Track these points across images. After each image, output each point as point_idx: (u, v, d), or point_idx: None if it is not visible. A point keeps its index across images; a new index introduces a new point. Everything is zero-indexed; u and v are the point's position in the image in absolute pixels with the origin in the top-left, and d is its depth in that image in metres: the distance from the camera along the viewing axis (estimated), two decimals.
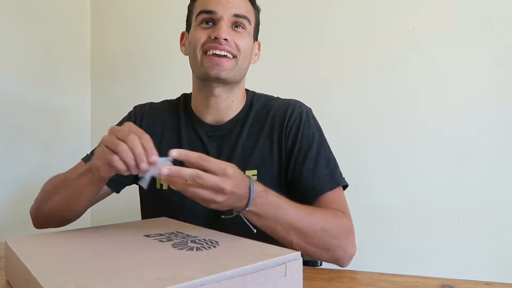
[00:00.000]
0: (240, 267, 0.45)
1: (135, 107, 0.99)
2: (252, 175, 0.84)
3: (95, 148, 0.93)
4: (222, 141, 0.89)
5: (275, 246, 0.57)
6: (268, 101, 0.93)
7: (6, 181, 1.44)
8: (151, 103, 0.99)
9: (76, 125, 1.72)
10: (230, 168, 0.61)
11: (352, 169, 1.41)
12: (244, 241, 0.61)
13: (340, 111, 1.42)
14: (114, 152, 0.59)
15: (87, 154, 0.93)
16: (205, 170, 0.59)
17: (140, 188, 0.97)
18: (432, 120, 1.32)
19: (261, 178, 0.84)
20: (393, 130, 1.37)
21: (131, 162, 0.59)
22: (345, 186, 0.89)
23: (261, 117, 0.90)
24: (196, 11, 0.85)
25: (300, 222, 0.71)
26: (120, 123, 0.97)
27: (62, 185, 0.79)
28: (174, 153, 0.59)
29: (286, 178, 0.86)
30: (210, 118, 0.90)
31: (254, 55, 0.92)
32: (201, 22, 0.83)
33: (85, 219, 1.74)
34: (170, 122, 0.93)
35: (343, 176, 0.89)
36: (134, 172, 0.60)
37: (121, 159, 0.59)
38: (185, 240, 0.60)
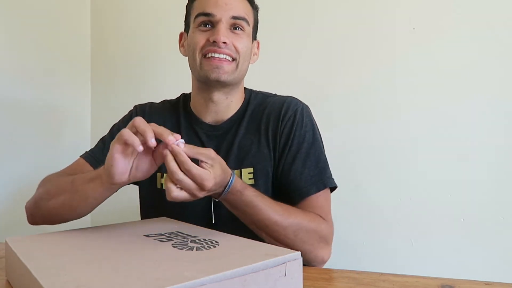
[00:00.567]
0: (240, 267, 0.46)
1: (135, 107, 1.00)
2: (249, 173, 0.85)
3: (96, 146, 0.94)
4: (220, 140, 0.89)
5: (275, 246, 0.57)
6: (264, 98, 0.93)
7: (6, 181, 1.45)
8: (151, 103, 1.00)
9: (76, 125, 1.72)
10: (211, 181, 0.64)
11: (352, 169, 1.41)
12: (244, 241, 0.61)
13: (340, 111, 1.42)
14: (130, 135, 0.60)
15: (87, 152, 0.93)
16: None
17: (140, 188, 0.97)
18: (432, 120, 1.32)
19: (257, 176, 0.85)
20: (393, 130, 1.37)
21: (145, 130, 0.59)
22: (333, 188, 0.88)
23: (258, 115, 0.90)
24: (194, 12, 0.85)
25: (271, 223, 0.73)
26: (120, 122, 0.98)
27: (68, 188, 0.78)
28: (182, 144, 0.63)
29: (276, 177, 0.86)
30: (209, 118, 0.91)
31: (253, 55, 0.92)
32: (200, 25, 0.83)
33: (85, 219, 1.74)
34: (170, 122, 0.94)
35: (333, 177, 0.88)
36: (148, 143, 0.60)
37: (137, 129, 0.60)
38: (185, 240, 0.60)
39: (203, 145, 0.89)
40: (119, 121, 0.99)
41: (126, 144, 0.61)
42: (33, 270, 0.46)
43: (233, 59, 0.83)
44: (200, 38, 0.82)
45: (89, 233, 0.68)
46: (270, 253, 0.52)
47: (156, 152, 0.65)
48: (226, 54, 0.81)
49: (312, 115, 0.92)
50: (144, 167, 0.66)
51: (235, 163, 0.86)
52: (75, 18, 1.74)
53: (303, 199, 0.82)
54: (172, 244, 0.57)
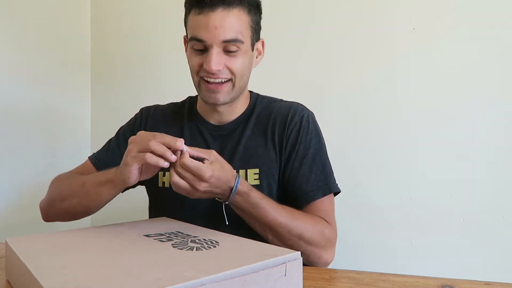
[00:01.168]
0: (240, 267, 0.46)
1: (141, 110, 1.01)
2: (254, 173, 0.86)
3: (102, 147, 0.95)
4: (224, 140, 0.91)
5: (275, 246, 0.57)
6: (271, 103, 0.94)
7: (6, 182, 1.45)
8: (157, 106, 1.01)
9: (76, 126, 1.72)
10: (208, 174, 0.68)
11: (352, 169, 1.41)
12: (244, 241, 0.61)
13: (340, 111, 1.42)
14: (146, 151, 0.67)
15: (94, 153, 0.96)
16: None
17: (146, 188, 0.98)
18: (432, 120, 1.32)
19: (262, 177, 0.86)
20: (393, 130, 1.37)
21: (162, 150, 0.67)
22: (337, 193, 0.90)
23: (264, 119, 0.91)
24: (189, 31, 0.83)
25: (277, 225, 0.76)
26: (127, 125, 1.00)
27: (80, 191, 0.82)
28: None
29: (282, 181, 0.88)
30: (214, 120, 0.92)
31: (257, 56, 0.90)
32: (193, 47, 0.82)
33: (85, 219, 1.74)
34: (174, 123, 0.96)
35: (336, 182, 0.90)
36: (170, 160, 0.68)
37: (154, 152, 0.67)
38: (185, 240, 0.60)
39: (207, 144, 0.90)
40: (126, 124, 1.01)
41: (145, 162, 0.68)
42: (33, 270, 0.46)
43: (229, 79, 0.83)
44: (195, 61, 0.82)
45: (89, 233, 0.68)
46: (270, 253, 0.52)
47: None
48: (221, 78, 0.81)
49: (316, 121, 0.94)
50: (150, 168, 0.72)
51: (241, 163, 0.87)
52: (75, 19, 1.74)
53: (309, 203, 0.84)
54: (172, 244, 0.57)
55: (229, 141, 0.90)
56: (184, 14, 0.87)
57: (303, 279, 0.53)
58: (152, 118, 0.97)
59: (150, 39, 1.69)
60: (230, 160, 0.86)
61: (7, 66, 1.43)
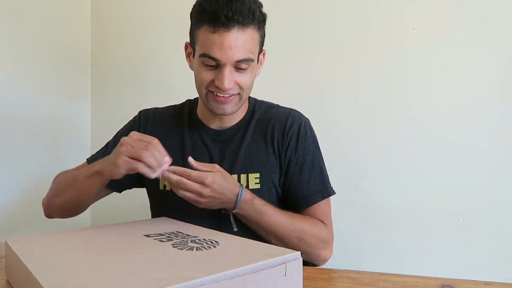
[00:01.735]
0: (240, 267, 0.46)
1: (139, 112, 1.01)
2: (255, 177, 0.89)
3: (100, 150, 0.97)
4: (225, 145, 0.92)
5: (275, 246, 0.57)
6: (269, 108, 0.97)
7: (6, 183, 1.44)
8: (156, 108, 1.01)
9: (76, 130, 1.72)
10: (209, 179, 0.75)
11: (352, 169, 1.42)
12: (244, 241, 0.61)
13: (340, 111, 1.42)
14: (138, 160, 0.71)
15: (92, 155, 0.97)
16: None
17: (148, 190, 0.98)
18: (432, 120, 1.32)
19: (262, 181, 0.89)
20: (393, 130, 1.37)
21: (155, 164, 0.72)
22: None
23: (263, 124, 0.93)
24: (199, 46, 0.82)
25: (279, 229, 0.83)
26: (124, 129, 1.00)
27: (72, 184, 0.86)
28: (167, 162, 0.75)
29: (283, 186, 0.92)
30: (214, 125, 0.94)
31: (259, 66, 0.91)
32: (204, 62, 0.81)
33: (85, 219, 1.75)
34: (174, 127, 0.96)
35: (331, 185, 0.96)
36: (156, 174, 0.73)
37: (146, 164, 0.71)
38: (185, 240, 0.60)
39: (208, 148, 0.92)
40: (124, 127, 1.01)
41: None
42: (33, 270, 0.46)
43: (237, 93, 0.85)
44: (205, 76, 0.82)
45: (89, 233, 0.68)
46: (270, 253, 0.52)
47: None
48: (230, 93, 0.83)
49: (312, 128, 0.97)
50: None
51: (242, 168, 0.89)
52: (75, 20, 1.74)
53: (308, 207, 0.90)
54: (172, 244, 0.57)
55: (229, 146, 0.92)
56: (191, 23, 0.86)
57: (303, 279, 0.53)
58: (151, 122, 0.97)
59: (150, 41, 1.69)
60: (231, 165, 0.89)
61: (6, 69, 1.43)
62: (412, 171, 1.34)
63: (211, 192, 0.75)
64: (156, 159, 0.72)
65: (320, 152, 0.96)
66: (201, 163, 0.77)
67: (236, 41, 0.77)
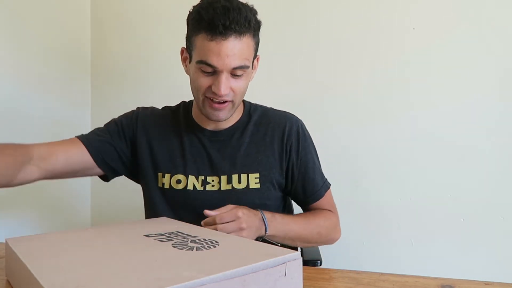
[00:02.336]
0: (240, 267, 0.46)
1: (138, 108, 1.02)
2: (255, 177, 0.92)
3: (90, 132, 0.96)
4: (222, 146, 0.94)
5: (275, 246, 0.57)
6: (265, 111, 1.00)
7: None
8: (153, 108, 1.02)
9: (76, 130, 1.71)
10: (240, 211, 0.78)
11: (352, 170, 1.42)
12: (244, 241, 0.61)
13: (341, 111, 1.42)
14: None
15: (82, 134, 0.96)
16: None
17: (145, 187, 0.98)
18: (432, 120, 1.32)
19: (262, 181, 0.92)
20: (393, 131, 1.37)
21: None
22: None
23: (262, 126, 0.96)
24: (196, 53, 0.83)
25: (302, 232, 0.90)
26: (122, 118, 1.00)
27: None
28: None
29: (289, 185, 0.97)
30: (210, 126, 0.95)
31: (253, 71, 0.92)
32: (201, 68, 0.83)
33: (85, 219, 1.75)
34: (172, 128, 0.97)
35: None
36: None
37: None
38: (185, 240, 0.60)
39: (206, 149, 0.93)
40: (120, 116, 1.00)
41: None
42: (33, 270, 0.46)
43: (231, 100, 0.87)
44: (202, 82, 0.84)
45: (89, 233, 0.68)
46: (270, 253, 0.52)
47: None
48: (225, 100, 0.85)
49: (306, 127, 1.02)
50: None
51: (243, 168, 0.92)
52: (75, 20, 1.74)
53: (316, 201, 0.98)
54: (172, 244, 0.57)
55: (228, 147, 0.94)
56: (188, 29, 0.87)
57: (303, 279, 0.53)
58: (150, 120, 0.98)
59: (150, 41, 1.69)
60: (232, 165, 0.92)
61: (6, 69, 1.43)
62: (412, 171, 1.34)
63: (246, 223, 0.78)
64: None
65: (315, 149, 1.01)
66: (218, 209, 0.79)
67: (233, 49, 0.79)
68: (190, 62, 0.88)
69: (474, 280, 0.67)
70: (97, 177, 0.99)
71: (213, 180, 0.91)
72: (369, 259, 1.39)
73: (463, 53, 1.29)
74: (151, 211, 0.96)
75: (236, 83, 0.84)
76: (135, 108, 1.03)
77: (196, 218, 0.79)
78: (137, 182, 1.01)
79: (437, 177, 1.32)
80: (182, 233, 0.65)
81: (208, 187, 0.91)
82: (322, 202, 0.99)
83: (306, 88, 1.46)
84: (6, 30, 1.43)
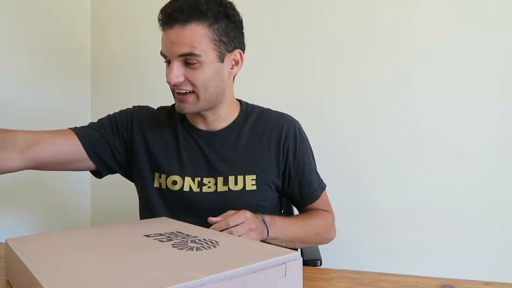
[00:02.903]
0: (240, 267, 0.46)
1: (134, 107, 1.01)
2: (252, 179, 0.91)
3: (84, 126, 0.93)
4: (219, 147, 0.93)
5: (275, 246, 0.57)
6: (262, 112, 0.99)
7: (6, 183, 1.44)
8: (149, 108, 1.01)
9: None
10: (247, 213, 0.78)
11: (353, 170, 1.42)
12: (244, 241, 0.61)
13: (341, 112, 1.42)
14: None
15: (75, 127, 0.93)
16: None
17: (139, 185, 0.98)
18: (433, 121, 1.32)
19: (259, 183, 0.92)
20: (394, 131, 1.37)
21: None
22: None
23: (259, 128, 0.96)
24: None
25: (301, 234, 0.91)
26: (117, 115, 0.98)
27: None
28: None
29: (286, 187, 0.97)
30: (203, 126, 0.94)
31: (233, 66, 0.90)
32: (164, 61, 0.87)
33: (85, 219, 1.75)
34: (167, 129, 0.96)
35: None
36: None
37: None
38: (185, 240, 0.60)
39: (201, 150, 0.92)
40: (116, 113, 0.99)
41: None
42: (33, 270, 0.46)
43: (192, 91, 0.85)
44: (166, 74, 0.86)
45: (89, 233, 0.68)
46: (270, 253, 0.52)
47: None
48: (183, 89, 0.85)
49: (303, 129, 1.01)
50: None
51: (239, 170, 0.91)
52: (75, 19, 1.74)
53: (313, 202, 0.99)
54: (172, 244, 0.57)
55: (224, 148, 0.93)
56: None
57: (303, 279, 0.53)
58: (146, 119, 0.97)
59: (150, 41, 1.68)
60: (229, 166, 0.91)
61: (6, 68, 1.43)
62: (412, 171, 1.34)
63: (255, 224, 0.78)
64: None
65: (312, 150, 1.01)
66: (221, 215, 0.78)
67: (177, 36, 0.82)
68: None
69: (474, 280, 0.67)
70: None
71: (209, 182, 0.90)
72: (369, 259, 1.39)
73: (463, 53, 1.29)
74: (147, 211, 0.95)
75: (192, 74, 0.83)
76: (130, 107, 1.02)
77: (193, 219, 0.78)
78: (131, 181, 1.00)
79: (437, 177, 1.32)
80: (182, 233, 0.65)
81: (205, 189, 0.90)
82: (318, 203, 1.00)
83: (307, 88, 1.46)
84: (5, 30, 1.43)
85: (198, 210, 0.87)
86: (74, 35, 1.73)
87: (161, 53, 0.86)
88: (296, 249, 1.11)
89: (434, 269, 1.32)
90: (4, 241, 0.63)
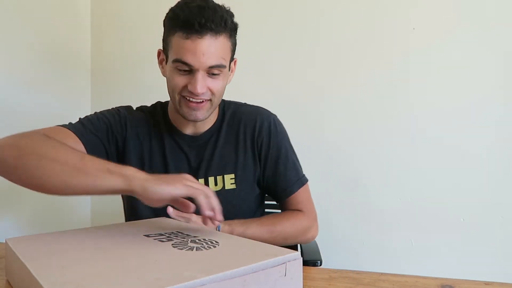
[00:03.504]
0: (240, 267, 0.46)
1: (119, 111, 0.96)
2: (230, 178, 0.92)
3: (75, 124, 0.87)
4: (200, 149, 0.94)
5: (275, 246, 0.57)
6: (237, 108, 0.99)
7: (5, 184, 1.44)
8: (133, 110, 0.98)
9: None
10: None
11: (353, 170, 1.42)
12: (244, 241, 0.61)
13: (341, 112, 1.42)
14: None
15: (70, 124, 0.87)
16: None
17: (125, 195, 0.96)
18: (432, 121, 1.32)
19: (237, 181, 0.93)
20: (393, 131, 1.37)
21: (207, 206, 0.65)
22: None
23: (234, 126, 0.96)
24: (172, 52, 0.83)
25: (264, 239, 0.83)
26: (108, 119, 0.92)
27: (74, 162, 0.66)
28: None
29: (262, 181, 0.97)
30: (188, 130, 0.94)
31: (230, 73, 0.92)
32: (177, 67, 0.83)
33: (85, 219, 1.75)
34: (155, 134, 0.94)
35: (303, 173, 1.00)
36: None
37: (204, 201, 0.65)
38: (185, 240, 0.60)
39: (186, 155, 0.93)
40: (107, 116, 0.93)
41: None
42: (32, 270, 0.46)
43: (209, 99, 0.86)
44: (178, 81, 0.83)
45: (89, 233, 0.68)
46: (270, 253, 0.52)
47: None
48: (202, 99, 0.84)
49: (281, 122, 1.00)
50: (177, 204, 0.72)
51: (218, 170, 0.92)
52: (75, 20, 1.74)
53: (288, 197, 0.96)
54: (172, 244, 0.57)
55: (205, 150, 0.93)
56: (164, 30, 0.89)
57: (303, 279, 0.53)
58: (134, 121, 0.94)
59: (150, 41, 1.68)
60: (207, 168, 0.92)
61: (6, 69, 1.43)
62: (412, 171, 1.34)
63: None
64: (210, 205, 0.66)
65: (291, 144, 1.00)
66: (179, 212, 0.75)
67: (209, 47, 0.80)
68: (166, 63, 0.88)
69: (474, 280, 0.67)
70: None
71: None
72: (369, 259, 1.39)
73: (463, 53, 1.29)
74: (133, 214, 0.93)
75: (213, 83, 0.83)
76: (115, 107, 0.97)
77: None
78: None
79: (437, 177, 1.32)
80: (182, 233, 0.65)
81: None
82: (296, 199, 0.97)
83: (306, 88, 1.46)
84: (5, 30, 1.42)
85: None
86: (74, 35, 1.73)
87: (180, 61, 0.81)
88: (296, 248, 1.11)
89: (434, 269, 1.32)
90: (4, 241, 0.63)
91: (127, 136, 0.91)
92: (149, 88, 1.69)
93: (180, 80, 0.83)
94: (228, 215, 0.78)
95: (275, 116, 0.99)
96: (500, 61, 1.26)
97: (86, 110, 1.78)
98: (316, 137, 1.44)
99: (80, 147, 0.82)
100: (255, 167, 0.95)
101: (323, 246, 1.13)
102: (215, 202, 0.66)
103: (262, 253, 0.52)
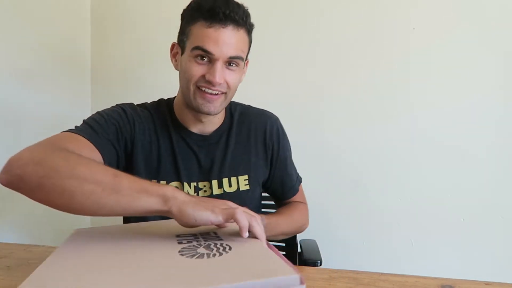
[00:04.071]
0: (233, 283, 0.42)
1: (125, 110, 0.91)
2: (244, 179, 0.94)
3: (84, 128, 0.81)
4: (211, 149, 0.93)
5: (282, 263, 0.51)
6: (243, 110, 1.00)
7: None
8: (137, 108, 0.93)
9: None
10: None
11: (353, 170, 1.42)
12: (258, 251, 0.55)
13: (341, 112, 1.42)
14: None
15: (76, 126, 0.83)
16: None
17: None
18: (432, 121, 1.32)
19: (251, 182, 0.94)
20: (394, 131, 1.37)
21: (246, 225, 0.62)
22: None
23: (244, 127, 0.97)
24: (192, 40, 0.82)
25: (287, 228, 0.96)
26: (117, 120, 0.87)
27: (107, 182, 0.62)
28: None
29: (268, 182, 1.01)
30: (196, 129, 0.92)
31: (243, 71, 0.92)
32: (196, 56, 0.82)
33: (85, 219, 1.75)
34: (162, 133, 0.91)
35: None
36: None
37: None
38: (200, 244, 0.56)
39: (195, 154, 0.91)
40: (115, 118, 0.88)
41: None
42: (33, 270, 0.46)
43: (224, 93, 0.85)
44: (195, 71, 0.82)
45: (90, 233, 0.67)
46: (274, 270, 0.47)
47: None
48: (219, 90, 0.84)
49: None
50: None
51: (231, 171, 0.92)
52: (75, 19, 1.74)
53: (293, 195, 1.04)
54: (179, 250, 0.54)
55: (216, 151, 0.93)
56: (182, 22, 0.86)
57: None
58: (141, 119, 0.91)
59: (150, 41, 1.69)
60: (220, 169, 0.91)
61: (6, 69, 1.43)
62: (412, 171, 1.34)
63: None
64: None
65: (289, 143, 1.05)
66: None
67: (231, 38, 0.80)
68: (182, 54, 0.86)
69: (474, 280, 0.67)
70: None
71: (204, 186, 0.90)
72: (369, 259, 1.39)
73: (463, 53, 1.29)
74: (139, 218, 0.85)
75: (230, 76, 0.84)
76: (116, 105, 0.92)
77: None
78: None
79: (437, 177, 1.32)
80: (213, 234, 0.62)
81: (201, 193, 0.89)
82: (297, 195, 1.05)
83: (306, 88, 1.46)
84: (5, 29, 1.42)
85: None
86: (74, 35, 1.73)
87: (201, 48, 0.80)
88: (296, 249, 1.12)
89: (434, 269, 1.32)
90: (4, 242, 0.63)
91: (135, 136, 0.88)
92: (149, 88, 1.70)
93: (198, 70, 0.82)
94: None
95: (279, 118, 1.03)
96: (500, 61, 1.26)
97: (86, 110, 1.78)
98: (316, 137, 1.44)
99: (97, 155, 0.78)
100: (265, 169, 0.98)
101: (323, 246, 1.13)
102: (259, 231, 0.61)
103: (266, 269, 0.48)
